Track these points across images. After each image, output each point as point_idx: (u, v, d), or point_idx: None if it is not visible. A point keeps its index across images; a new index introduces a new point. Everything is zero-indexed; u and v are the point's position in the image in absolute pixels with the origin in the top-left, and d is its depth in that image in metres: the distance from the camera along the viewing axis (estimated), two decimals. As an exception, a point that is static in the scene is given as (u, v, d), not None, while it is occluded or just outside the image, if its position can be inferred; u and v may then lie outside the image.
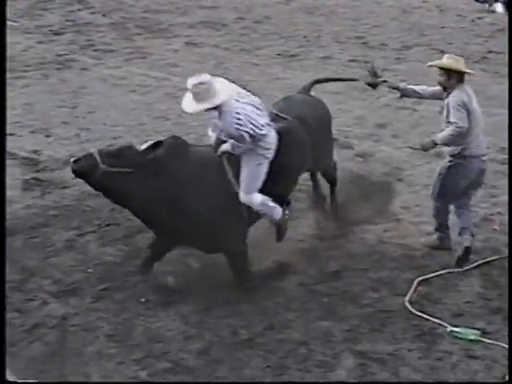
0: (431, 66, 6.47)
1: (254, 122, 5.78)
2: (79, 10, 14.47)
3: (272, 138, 5.98)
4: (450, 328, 5.72)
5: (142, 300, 6.08)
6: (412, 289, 6.17)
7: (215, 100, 5.68)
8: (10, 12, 13.86)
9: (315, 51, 12.25)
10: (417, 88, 6.65)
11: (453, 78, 6.30)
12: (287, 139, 6.09)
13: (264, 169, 6.00)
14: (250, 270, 6.26)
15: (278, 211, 6.20)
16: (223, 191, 6.00)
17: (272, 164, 6.02)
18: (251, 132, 5.76)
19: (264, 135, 5.87)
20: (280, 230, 6.33)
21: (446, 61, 6.36)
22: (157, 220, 5.97)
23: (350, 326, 5.81)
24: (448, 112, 6.29)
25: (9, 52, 11.79)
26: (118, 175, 5.69)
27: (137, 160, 5.76)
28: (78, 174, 5.76)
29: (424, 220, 7.10)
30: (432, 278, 6.37)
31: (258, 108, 5.90)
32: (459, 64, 6.34)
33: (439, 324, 5.78)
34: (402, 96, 6.75)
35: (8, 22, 13.24)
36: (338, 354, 5.52)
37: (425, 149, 6.54)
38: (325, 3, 14.90)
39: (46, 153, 8.60)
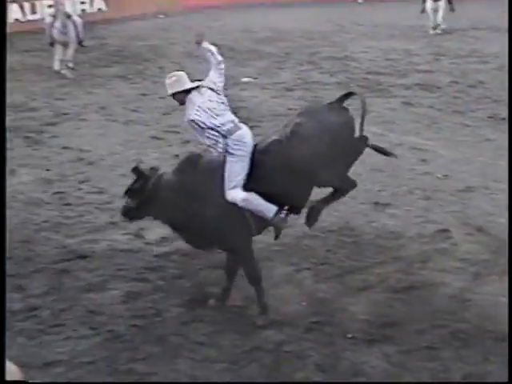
0: None
1: (209, 112, 6.04)
2: (310, 69, 14.78)
3: (241, 135, 6.10)
4: None
5: (349, 336, 6.00)
6: None
7: (181, 87, 6.15)
8: (252, 70, 14.53)
9: (526, 115, 11.69)
10: None
11: None
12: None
13: (240, 166, 6.04)
14: (256, 268, 6.27)
15: (268, 209, 6.07)
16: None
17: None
18: (205, 119, 6.00)
19: (224, 128, 6.04)
20: (275, 229, 6.28)
21: None
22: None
23: (550, 383, 5.39)
24: None
25: (247, 104, 12.33)
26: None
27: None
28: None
29: None
30: None
31: (217, 107, 6.13)
32: None
33: None
34: None
35: (249, 79, 13.87)
36: (536, 410, 5.15)
37: None
38: (540, 69, 14.22)
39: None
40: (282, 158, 6.03)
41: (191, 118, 6.03)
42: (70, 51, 14.22)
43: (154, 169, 6.36)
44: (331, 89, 13.32)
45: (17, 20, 18.48)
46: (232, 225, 6.13)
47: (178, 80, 6.21)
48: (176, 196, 6.14)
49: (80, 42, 14.27)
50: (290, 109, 12.07)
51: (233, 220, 6.11)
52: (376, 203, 8.49)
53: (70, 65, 14.30)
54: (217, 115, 6.08)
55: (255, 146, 6.24)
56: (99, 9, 20.29)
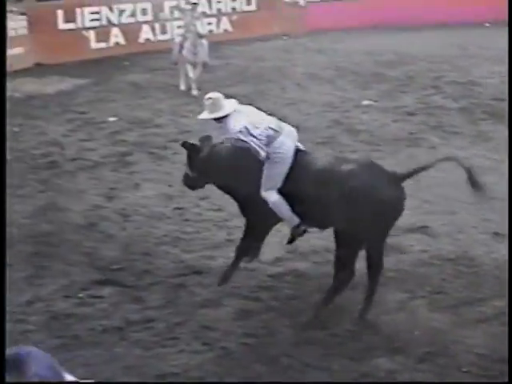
0: None
1: (249, 126, 6.33)
2: (432, 94, 14.48)
3: (281, 143, 6.30)
4: None
5: (464, 370, 5.80)
6: None
7: (219, 113, 6.47)
8: (373, 93, 14.39)
9: None
10: None
11: None
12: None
13: (277, 171, 6.29)
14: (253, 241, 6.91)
15: (292, 219, 6.42)
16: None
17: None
18: (246, 130, 6.29)
19: (263, 136, 6.30)
20: (291, 234, 6.63)
21: None
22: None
23: None
24: None
25: (367, 127, 12.22)
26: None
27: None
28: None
29: None
30: None
31: (256, 120, 6.45)
32: None
33: None
34: None
35: (370, 102, 13.75)
36: None
37: None
38: None
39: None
40: (321, 191, 6.15)
41: (236, 135, 6.39)
42: (198, 71, 14.57)
43: (207, 137, 6.89)
44: (453, 114, 13.04)
45: (147, 40, 19.12)
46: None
47: (215, 103, 6.52)
48: (228, 164, 6.65)
49: (204, 63, 14.61)
50: (411, 133, 11.91)
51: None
52: (496, 233, 8.20)
53: (196, 84, 14.65)
54: (254, 127, 6.36)
55: (302, 151, 6.49)
56: (225, 30, 20.70)
